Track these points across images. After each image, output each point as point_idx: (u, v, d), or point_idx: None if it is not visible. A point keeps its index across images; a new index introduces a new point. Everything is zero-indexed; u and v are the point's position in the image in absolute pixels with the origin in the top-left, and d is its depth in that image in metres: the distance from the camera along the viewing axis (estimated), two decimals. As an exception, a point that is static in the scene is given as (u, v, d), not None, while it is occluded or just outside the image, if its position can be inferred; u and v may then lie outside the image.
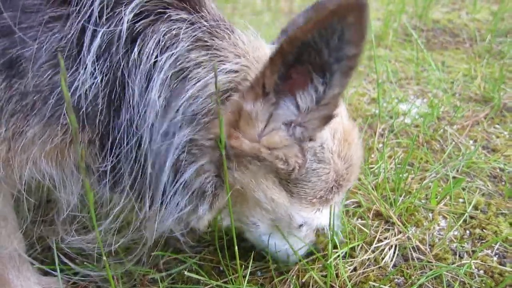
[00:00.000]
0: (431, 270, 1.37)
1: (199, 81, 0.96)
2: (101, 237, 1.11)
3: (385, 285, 1.34)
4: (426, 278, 1.32)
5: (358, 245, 1.49)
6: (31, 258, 1.36)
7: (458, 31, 3.21)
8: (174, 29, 0.95)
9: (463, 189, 1.74)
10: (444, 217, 1.63)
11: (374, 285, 1.33)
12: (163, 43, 0.93)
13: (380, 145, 2.08)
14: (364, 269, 1.41)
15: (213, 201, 1.09)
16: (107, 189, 1.04)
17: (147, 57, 0.92)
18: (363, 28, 0.80)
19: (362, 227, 1.55)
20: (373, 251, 1.47)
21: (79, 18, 0.88)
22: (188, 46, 0.96)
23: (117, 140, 0.97)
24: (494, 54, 2.84)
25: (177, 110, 0.96)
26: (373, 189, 1.72)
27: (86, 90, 0.91)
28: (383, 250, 1.48)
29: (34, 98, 0.91)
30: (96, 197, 1.15)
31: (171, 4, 0.95)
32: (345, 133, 1.14)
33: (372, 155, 1.98)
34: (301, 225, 1.19)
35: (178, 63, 0.95)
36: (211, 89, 0.97)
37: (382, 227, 1.57)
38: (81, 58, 0.89)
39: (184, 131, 0.97)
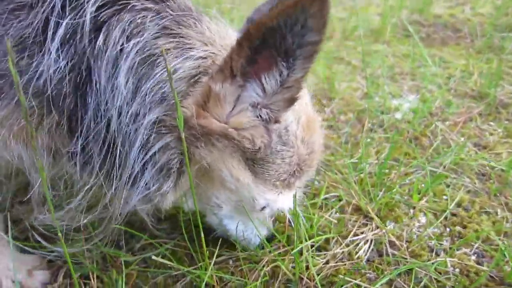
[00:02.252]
0: (404, 266, 1.35)
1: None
2: (71, 214, 1.13)
3: (355, 279, 1.32)
4: (395, 272, 1.30)
5: (333, 238, 1.47)
6: (11, 238, 1.39)
7: (460, 26, 3.14)
8: (139, 18, 0.97)
9: (448, 186, 1.71)
10: (426, 214, 1.60)
11: (344, 279, 1.32)
12: (128, 31, 0.96)
13: (368, 140, 2.05)
14: (336, 262, 1.39)
15: (177, 179, 1.11)
16: (77, 169, 1.06)
17: (113, 45, 0.95)
18: (324, 17, 0.85)
19: (337, 221, 1.54)
20: (347, 245, 1.46)
21: (44, 8, 0.91)
22: (155, 33, 0.99)
23: (86, 123, 0.99)
24: (495, 50, 2.77)
25: (147, 93, 0.99)
26: (355, 183, 1.70)
27: (51, 75, 0.93)
28: (358, 244, 1.46)
29: (2, 82, 0.94)
30: (65, 177, 1.16)
31: None
32: (309, 120, 1.17)
33: (359, 150, 1.96)
34: (264, 207, 1.21)
35: (145, 50, 0.97)
36: (180, 73, 1.00)
37: (360, 222, 1.55)
38: (46, 45, 0.92)
39: (153, 112, 0.99)
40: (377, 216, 1.56)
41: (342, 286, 1.29)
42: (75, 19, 0.91)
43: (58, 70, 0.91)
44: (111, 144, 0.99)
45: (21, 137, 1.01)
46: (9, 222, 1.14)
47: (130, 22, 0.95)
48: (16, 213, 1.50)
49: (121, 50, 0.95)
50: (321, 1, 0.83)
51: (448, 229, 1.53)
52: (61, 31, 0.90)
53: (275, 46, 0.90)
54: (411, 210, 1.61)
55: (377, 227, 1.52)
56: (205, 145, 1.05)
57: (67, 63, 0.92)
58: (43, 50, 0.92)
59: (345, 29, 3.23)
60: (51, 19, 0.90)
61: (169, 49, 0.98)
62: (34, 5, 0.93)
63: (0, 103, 0.95)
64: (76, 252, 1.29)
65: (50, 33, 0.92)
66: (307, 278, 1.31)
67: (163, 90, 0.98)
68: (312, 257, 1.40)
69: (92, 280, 1.29)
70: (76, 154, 1.01)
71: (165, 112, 1.00)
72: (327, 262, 1.40)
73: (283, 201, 1.20)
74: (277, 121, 1.07)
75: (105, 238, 1.24)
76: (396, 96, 2.38)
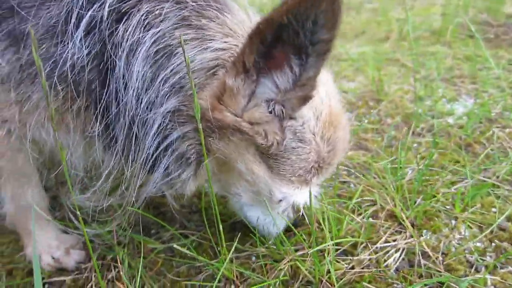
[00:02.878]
0: (436, 278, 1.25)
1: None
2: (97, 196, 1.19)
3: (380, 288, 1.25)
4: (424, 283, 1.21)
5: (362, 243, 1.41)
6: (52, 218, 1.51)
7: (535, 27, 2.85)
8: (158, 9, 1.01)
9: (498, 198, 1.56)
10: (470, 227, 1.47)
11: (367, 286, 1.25)
12: (146, 21, 1.00)
13: (415, 144, 1.94)
14: (361, 268, 1.33)
15: (197, 168, 1.14)
16: (99, 152, 1.13)
17: (130, 35, 0.99)
18: (336, 14, 0.83)
19: (368, 226, 1.46)
20: (376, 252, 1.38)
21: (69, 0, 0.98)
22: (173, 24, 1.02)
23: (107, 107, 1.05)
24: None
25: (163, 82, 1.02)
26: (394, 189, 1.61)
27: (74, 62, 1.00)
28: (388, 252, 1.38)
29: (35, 67, 1.02)
30: (92, 157, 1.23)
31: None
32: (332, 116, 1.14)
33: (403, 154, 1.85)
34: (280, 200, 1.20)
35: (163, 40, 1.01)
36: (197, 64, 1.02)
37: (393, 229, 1.46)
38: (70, 34, 0.99)
39: (170, 102, 1.03)
40: (412, 224, 1.46)
41: (364, 293, 1.23)
42: (97, 11, 0.97)
43: (81, 58, 0.98)
44: (129, 129, 1.04)
45: (56, 119, 1.09)
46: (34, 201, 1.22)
47: (148, 12, 0.98)
48: (58, 194, 1.63)
49: (138, 40, 0.99)
50: None
51: (493, 244, 1.39)
52: (84, 21, 0.97)
53: (288, 42, 0.89)
54: (453, 221, 1.49)
55: (411, 236, 1.42)
56: (221, 138, 1.06)
57: (90, 51, 0.98)
58: (68, 39, 0.99)
59: (402, 30, 3.09)
60: (75, 10, 0.97)
61: (186, 40, 1.00)
62: None
63: (35, 87, 1.04)
64: (105, 235, 1.36)
65: (74, 24, 0.98)
66: (327, 281, 1.26)
67: (180, 80, 1.01)
68: (336, 260, 1.35)
69: (119, 263, 1.35)
70: (99, 137, 1.06)
71: (182, 102, 1.03)
72: (352, 268, 1.34)
73: (300, 195, 1.18)
74: (292, 118, 1.05)
75: (124, 221, 1.29)
76: (452, 100, 2.22)
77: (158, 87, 1.01)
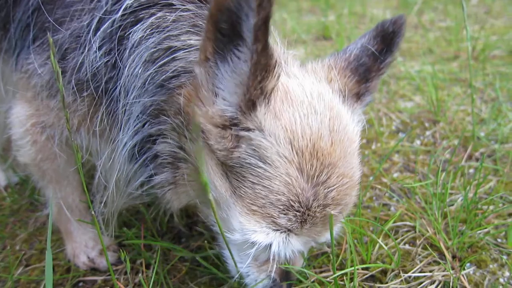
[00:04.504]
0: (474, 319, 1.11)
1: (182, 59, 1.02)
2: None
3: (406, 321, 1.14)
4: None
5: (393, 270, 1.30)
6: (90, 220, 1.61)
7: None
8: (172, 15, 1.02)
9: None
10: (525, 264, 1.29)
11: (391, 318, 1.14)
12: (155, 24, 1.02)
13: (471, 170, 1.76)
14: (389, 298, 1.22)
15: (176, 174, 1.07)
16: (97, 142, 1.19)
17: (135, 34, 1.03)
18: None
19: (401, 253, 1.34)
20: (407, 281, 1.26)
21: (94, 10, 1.06)
22: (181, 29, 1.02)
23: (114, 106, 1.09)
24: None
25: (154, 79, 1.03)
26: (439, 216, 1.47)
27: (93, 69, 1.06)
28: (422, 282, 1.25)
29: (67, 74, 1.11)
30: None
31: None
32: (318, 148, 0.93)
33: (455, 181, 1.69)
34: (235, 231, 1.00)
35: (166, 41, 1.02)
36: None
37: (431, 259, 1.33)
38: (90, 41, 1.06)
39: (154, 97, 1.03)
40: (454, 256, 1.32)
41: (386, 325, 1.13)
42: (113, 17, 1.03)
43: (100, 65, 1.05)
44: (121, 124, 1.07)
45: (84, 123, 1.16)
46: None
47: (159, 17, 1.01)
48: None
49: (141, 39, 1.02)
50: None
51: (552, 288, 1.20)
52: (102, 28, 1.03)
53: (240, 34, 0.80)
54: (504, 256, 1.32)
55: (452, 268, 1.28)
56: (191, 137, 0.99)
57: (105, 58, 1.04)
58: (89, 45, 1.05)
59: (475, 49, 2.86)
60: (96, 17, 1.04)
61: (191, 45, 1.01)
62: (90, 7, 1.07)
63: (67, 93, 1.12)
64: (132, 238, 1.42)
65: (92, 30, 1.05)
66: (347, 307, 1.18)
67: (169, 79, 1.01)
68: (362, 286, 1.26)
69: (143, 267, 1.40)
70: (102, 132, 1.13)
71: (164, 100, 1.02)
72: (379, 296, 1.24)
73: (261, 235, 0.96)
74: (248, 129, 0.92)
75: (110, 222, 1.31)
76: (522, 123, 1.99)
77: (148, 83, 1.02)
